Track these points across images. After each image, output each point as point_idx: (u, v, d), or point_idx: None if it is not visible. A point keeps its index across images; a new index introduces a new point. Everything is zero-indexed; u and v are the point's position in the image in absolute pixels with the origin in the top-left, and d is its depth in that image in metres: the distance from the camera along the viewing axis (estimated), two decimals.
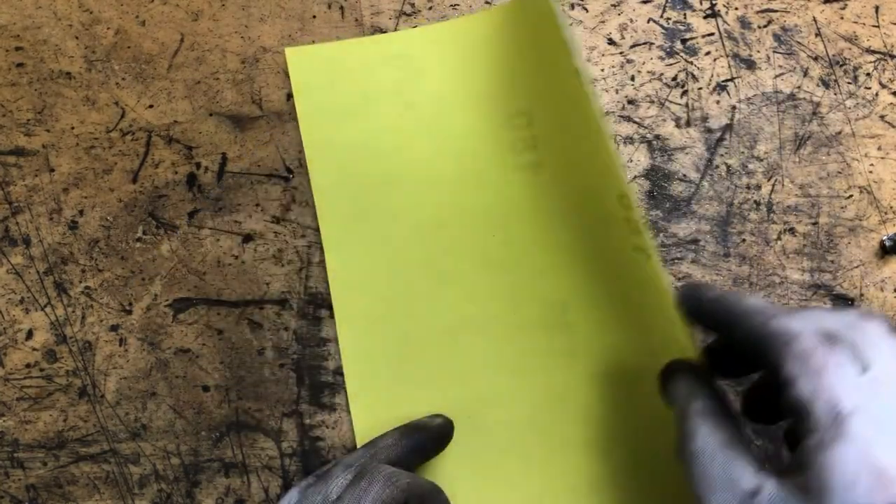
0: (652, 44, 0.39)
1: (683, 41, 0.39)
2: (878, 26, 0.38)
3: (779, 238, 0.38)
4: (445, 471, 0.37)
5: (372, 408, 0.37)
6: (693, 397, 0.29)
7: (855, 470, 0.24)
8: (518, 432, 0.37)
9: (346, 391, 0.38)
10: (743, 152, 0.38)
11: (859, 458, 0.24)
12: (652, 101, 0.39)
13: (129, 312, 0.38)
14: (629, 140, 0.39)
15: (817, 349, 0.25)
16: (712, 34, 0.39)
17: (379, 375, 0.37)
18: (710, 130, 0.39)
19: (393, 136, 0.37)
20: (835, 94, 0.38)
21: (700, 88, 0.39)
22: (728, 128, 0.38)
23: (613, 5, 0.39)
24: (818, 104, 0.38)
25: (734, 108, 0.39)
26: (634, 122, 0.39)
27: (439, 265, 0.37)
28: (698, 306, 0.30)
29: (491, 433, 0.37)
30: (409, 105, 0.37)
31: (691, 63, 0.39)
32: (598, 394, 0.37)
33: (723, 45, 0.39)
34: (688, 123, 0.39)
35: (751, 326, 0.27)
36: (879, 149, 0.38)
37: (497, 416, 0.37)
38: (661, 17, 0.39)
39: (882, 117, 0.38)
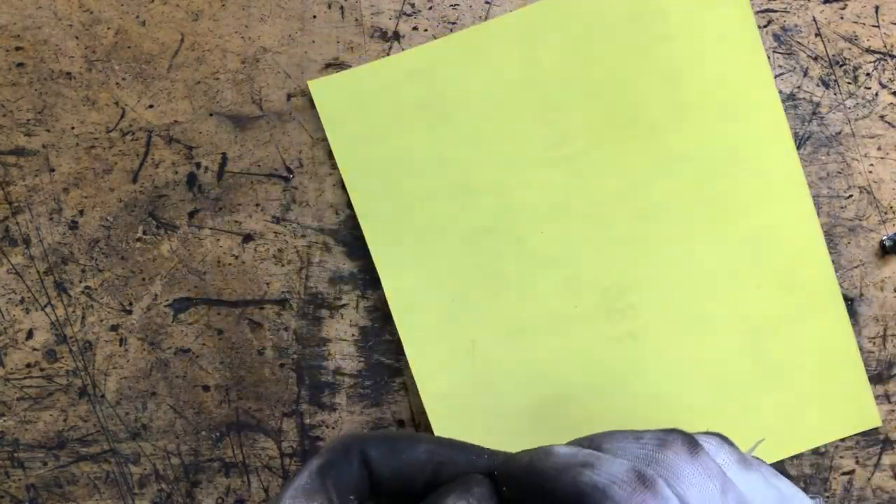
0: None
1: None
2: (878, 26, 0.38)
3: None
4: None
5: (453, 425, 0.37)
6: None
7: None
8: (589, 428, 0.37)
9: (425, 413, 0.38)
10: None
11: None
12: None
13: (130, 312, 0.38)
14: None
15: (632, 498, 0.23)
16: None
17: (454, 389, 0.37)
18: None
19: (428, 150, 0.38)
20: (835, 94, 0.38)
21: None
22: None
23: None
24: (818, 104, 0.38)
25: None
26: None
27: (494, 270, 0.37)
28: (511, 479, 0.25)
29: (563, 430, 0.37)
30: (438, 117, 0.38)
31: None
32: (663, 373, 0.37)
33: None
34: None
35: (564, 488, 0.24)
36: (879, 149, 0.38)
37: (569, 412, 0.37)
38: None
39: (882, 117, 0.38)
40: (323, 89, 0.38)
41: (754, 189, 0.37)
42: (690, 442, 0.25)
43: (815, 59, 0.38)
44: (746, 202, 0.37)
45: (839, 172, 0.38)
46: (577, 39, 0.38)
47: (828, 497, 0.38)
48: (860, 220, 0.38)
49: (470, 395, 0.37)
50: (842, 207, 0.38)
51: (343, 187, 0.38)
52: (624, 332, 0.37)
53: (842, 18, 0.38)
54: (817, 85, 0.38)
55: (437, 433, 0.37)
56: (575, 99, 0.38)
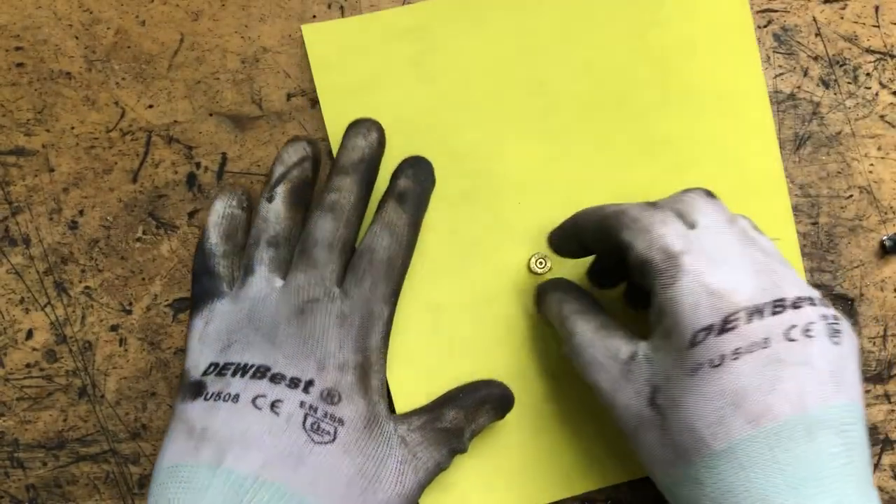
0: None
1: None
2: (878, 26, 0.38)
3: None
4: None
5: (412, 384, 0.37)
6: (564, 301, 0.33)
7: (695, 294, 0.28)
8: (548, 406, 0.37)
9: None
10: None
11: (696, 285, 0.28)
12: None
13: (129, 312, 0.38)
14: None
15: (643, 214, 0.30)
16: None
17: (414, 350, 0.37)
18: None
19: (414, 109, 0.38)
20: (835, 93, 0.38)
21: None
22: None
23: None
24: (818, 104, 0.38)
25: None
26: None
27: (468, 236, 0.37)
28: (560, 234, 0.35)
29: (523, 404, 0.37)
30: (427, 77, 0.38)
31: None
32: None
33: None
34: None
35: (590, 222, 0.32)
36: (879, 149, 0.38)
37: (529, 387, 0.37)
38: None
39: (882, 117, 0.38)
40: (316, 35, 0.38)
41: (733, 182, 0.37)
42: (709, 192, 0.32)
43: (816, 58, 0.38)
44: (724, 195, 0.37)
45: (839, 172, 0.38)
46: (575, 15, 0.38)
47: None
48: (860, 220, 0.38)
49: (431, 356, 0.37)
50: (842, 207, 0.38)
51: None
52: None
53: (842, 18, 0.38)
54: (817, 85, 0.38)
55: (394, 393, 0.36)
56: (565, 74, 0.38)
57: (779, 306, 0.28)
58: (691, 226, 0.30)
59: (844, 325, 0.29)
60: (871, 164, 0.38)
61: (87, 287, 0.38)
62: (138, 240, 0.38)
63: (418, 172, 0.35)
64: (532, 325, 0.37)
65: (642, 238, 0.29)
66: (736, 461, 0.26)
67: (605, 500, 0.37)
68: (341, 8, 0.38)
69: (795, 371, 0.27)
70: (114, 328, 0.38)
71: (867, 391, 0.37)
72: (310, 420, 0.30)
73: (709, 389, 0.27)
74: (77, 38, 0.38)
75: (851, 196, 0.38)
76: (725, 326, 0.27)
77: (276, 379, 0.31)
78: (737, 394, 0.27)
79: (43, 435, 0.38)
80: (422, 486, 0.32)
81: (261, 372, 0.31)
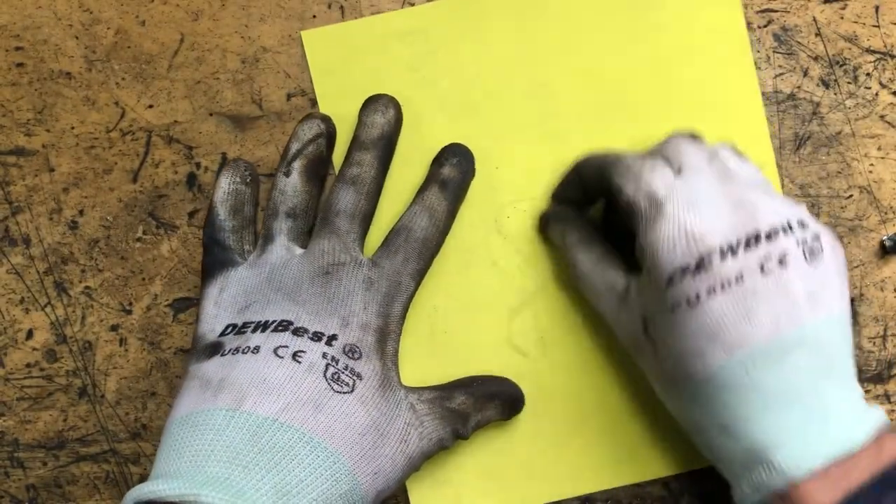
0: None
1: None
2: (878, 26, 0.38)
3: None
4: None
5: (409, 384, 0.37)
6: (567, 232, 0.35)
7: (672, 237, 0.30)
8: (546, 405, 0.37)
9: None
10: None
11: (674, 228, 0.30)
12: None
13: (130, 312, 0.38)
14: None
15: (635, 161, 0.32)
16: None
17: (411, 351, 0.37)
18: None
19: (412, 113, 0.38)
20: (835, 94, 0.38)
21: None
22: None
23: None
24: (818, 104, 0.38)
25: None
26: None
27: (466, 240, 0.38)
28: (564, 182, 0.36)
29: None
30: (426, 81, 0.38)
31: None
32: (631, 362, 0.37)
33: None
34: None
35: (591, 168, 0.34)
36: (879, 149, 0.38)
37: (524, 388, 0.37)
38: None
39: (882, 117, 0.38)
40: (315, 40, 0.38)
41: None
42: (693, 134, 0.33)
43: (816, 59, 0.38)
44: None
45: (839, 172, 0.38)
46: (574, 19, 0.38)
47: None
48: (860, 220, 0.38)
49: (428, 357, 0.37)
50: (842, 208, 0.38)
51: None
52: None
53: (842, 18, 0.38)
54: (817, 85, 0.38)
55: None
56: (565, 77, 0.38)
57: (752, 240, 0.29)
58: (678, 170, 0.31)
59: (826, 240, 0.30)
60: (871, 164, 0.38)
61: (87, 287, 0.38)
62: (138, 240, 0.38)
63: (462, 162, 0.37)
64: (529, 330, 0.37)
65: (632, 184, 0.31)
66: (716, 386, 0.29)
67: (605, 500, 0.37)
68: (341, 8, 0.38)
69: (770, 300, 0.29)
70: (114, 328, 0.38)
71: (867, 391, 0.37)
72: (331, 370, 0.31)
73: (688, 326, 0.29)
74: (77, 38, 0.38)
75: (851, 196, 0.38)
76: (700, 266, 0.29)
77: (298, 332, 0.32)
78: (713, 328, 0.29)
79: (43, 435, 0.38)
80: (424, 455, 0.32)
81: (283, 326, 0.32)
